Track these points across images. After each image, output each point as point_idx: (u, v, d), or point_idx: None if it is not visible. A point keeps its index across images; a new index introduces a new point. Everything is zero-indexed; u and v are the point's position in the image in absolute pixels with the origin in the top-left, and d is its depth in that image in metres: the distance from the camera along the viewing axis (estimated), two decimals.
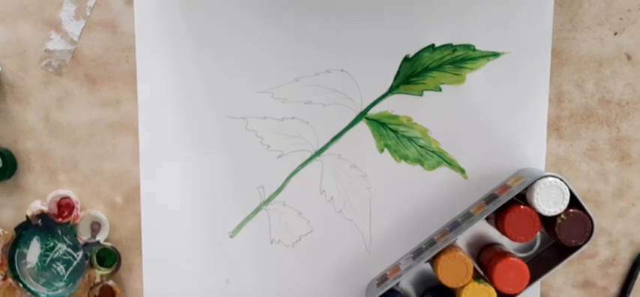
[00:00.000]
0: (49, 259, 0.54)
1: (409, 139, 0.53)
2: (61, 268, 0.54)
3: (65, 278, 0.54)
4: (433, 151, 0.53)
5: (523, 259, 0.51)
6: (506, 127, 0.52)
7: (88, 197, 0.53)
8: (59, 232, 0.53)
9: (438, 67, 0.52)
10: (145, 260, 0.54)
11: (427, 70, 0.52)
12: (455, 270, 0.49)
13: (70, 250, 0.53)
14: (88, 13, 0.52)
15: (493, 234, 0.53)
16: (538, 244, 0.53)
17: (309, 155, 0.53)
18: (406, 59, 0.52)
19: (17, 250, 0.53)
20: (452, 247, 0.50)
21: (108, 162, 0.53)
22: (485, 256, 0.51)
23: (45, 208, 0.52)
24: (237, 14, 0.52)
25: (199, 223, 0.53)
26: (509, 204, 0.49)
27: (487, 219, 0.51)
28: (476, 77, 0.52)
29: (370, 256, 0.54)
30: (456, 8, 0.51)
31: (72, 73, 0.52)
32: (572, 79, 0.52)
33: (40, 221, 0.52)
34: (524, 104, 0.52)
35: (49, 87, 0.52)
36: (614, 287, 0.54)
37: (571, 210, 0.48)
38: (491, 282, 0.49)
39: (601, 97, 0.52)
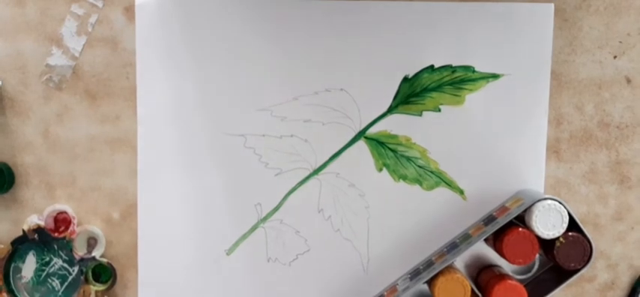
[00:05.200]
0: (44, 273, 0.53)
1: (408, 158, 0.53)
2: (56, 283, 0.53)
3: (60, 293, 0.53)
4: (432, 172, 0.53)
5: (521, 281, 0.51)
6: (505, 149, 0.52)
7: (85, 212, 0.53)
8: (55, 246, 0.53)
9: (438, 88, 0.52)
10: (140, 277, 0.53)
11: (426, 90, 0.52)
12: (452, 292, 0.48)
13: (65, 265, 0.53)
14: (90, 30, 0.52)
15: (491, 256, 0.53)
16: (536, 266, 0.52)
17: (307, 173, 0.53)
18: (405, 79, 0.52)
19: (13, 265, 0.53)
20: (450, 268, 0.50)
21: (106, 178, 0.53)
22: (484, 278, 0.51)
23: (41, 223, 0.52)
24: (238, 33, 0.52)
25: (196, 241, 0.53)
26: (508, 226, 0.49)
27: (485, 240, 0.51)
28: (475, 98, 0.52)
29: (367, 276, 0.54)
30: (455, 30, 0.52)
31: (72, 88, 0.53)
32: (571, 102, 0.52)
33: (36, 236, 0.52)
34: (523, 126, 0.52)
35: (49, 102, 0.53)
36: None
37: (570, 233, 0.48)
38: None
39: (600, 120, 0.52)
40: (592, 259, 0.48)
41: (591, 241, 0.48)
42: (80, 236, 0.53)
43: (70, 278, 0.53)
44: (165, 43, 0.52)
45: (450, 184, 0.53)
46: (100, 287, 0.53)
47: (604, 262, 0.53)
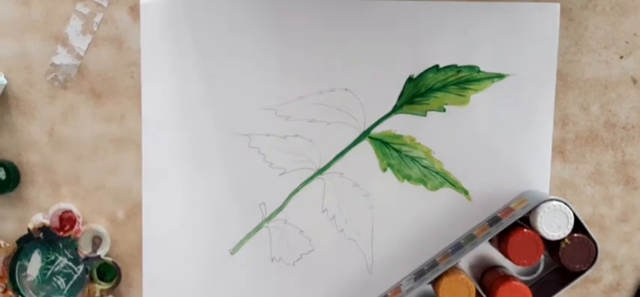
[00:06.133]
0: (49, 272, 0.54)
1: (412, 159, 0.53)
2: (61, 281, 0.54)
3: (65, 292, 0.54)
4: (436, 172, 0.53)
5: (526, 282, 0.50)
6: (510, 149, 0.52)
7: (89, 211, 0.53)
8: (60, 245, 0.53)
9: (442, 88, 0.52)
10: (145, 276, 0.54)
11: (431, 90, 0.52)
12: (457, 292, 0.48)
13: (70, 263, 0.53)
14: (95, 29, 0.52)
15: (496, 256, 0.52)
16: (541, 267, 0.52)
17: (311, 173, 0.53)
18: (410, 79, 0.52)
19: (18, 263, 0.54)
20: (454, 269, 0.49)
21: (111, 177, 0.53)
22: (488, 279, 0.51)
23: (47, 222, 0.52)
24: (243, 32, 0.52)
25: (200, 240, 0.53)
26: (513, 227, 0.48)
27: (490, 241, 0.51)
28: (480, 98, 0.52)
29: (371, 277, 0.54)
30: (460, 29, 0.51)
31: (77, 87, 0.53)
32: (577, 102, 0.52)
33: (41, 234, 0.52)
34: (528, 126, 0.52)
35: (55, 101, 0.53)
36: None
37: (575, 234, 0.48)
38: None
39: (606, 120, 0.52)
40: (597, 261, 0.48)
41: (597, 242, 0.48)
42: (85, 235, 0.53)
43: (75, 277, 0.54)
44: (170, 42, 0.52)
45: (454, 185, 0.53)
46: (105, 286, 0.53)
47: (609, 264, 0.53)
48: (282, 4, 0.52)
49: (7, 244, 0.53)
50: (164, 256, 0.53)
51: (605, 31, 0.51)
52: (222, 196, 0.53)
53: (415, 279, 0.51)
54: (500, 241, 0.49)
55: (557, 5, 0.51)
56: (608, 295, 0.53)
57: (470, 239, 0.50)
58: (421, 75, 0.52)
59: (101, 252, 0.53)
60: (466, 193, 0.53)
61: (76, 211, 0.53)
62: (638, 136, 0.52)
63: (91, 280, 0.53)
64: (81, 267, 0.53)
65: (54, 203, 0.53)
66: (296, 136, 0.53)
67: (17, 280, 0.54)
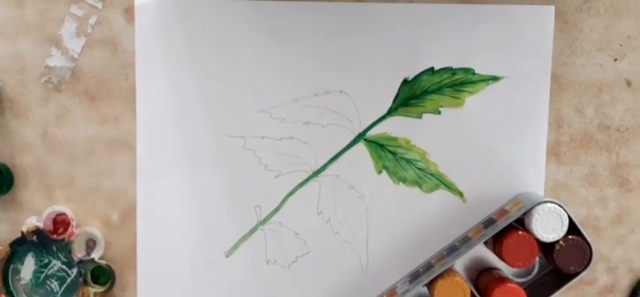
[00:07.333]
0: (43, 275, 0.53)
1: (407, 161, 0.53)
2: (54, 284, 0.53)
3: (59, 295, 0.53)
4: (431, 174, 0.53)
5: (521, 284, 0.50)
6: (505, 152, 0.52)
7: (84, 214, 0.53)
8: (54, 248, 0.53)
9: (438, 90, 0.52)
10: (139, 279, 0.53)
11: (426, 92, 0.52)
12: (452, 295, 0.48)
13: (64, 267, 0.53)
14: (89, 31, 0.52)
15: (491, 258, 0.53)
16: (536, 269, 0.52)
17: (306, 176, 0.53)
18: (405, 82, 0.52)
19: (11, 266, 0.53)
20: (449, 271, 0.49)
21: (105, 179, 0.53)
22: (483, 281, 0.51)
23: (40, 225, 0.52)
24: (238, 34, 0.52)
25: (195, 242, 0.53)
26: (508, 229, 0.48)
27: (485, 243, 0.51)
28: (475, 101, 0.52)
29: (367, 279, 0.53)
30: (456, 32, 0.51)
31: (71, 89, 0.52)
32: (571, 105, 0.52)
33: (35, 237, 0.52)
34: (523, 129, 0.52)
35: (48, 103, 0.52)
36: None
37: (570, 236, 0.48)
38: None
39: (601, 122, 0.52)
40: (592, 263, 0.48)
41: (591, 244, 0.48)
42: (79, 238, 0.53)
43: (69, 280, 0.53)
44: (164, 45, 0.52)
45: (449, 187, 0.53)
46: (99, 289, 0.53)
47: (604, 265, 0.53)
48: (276, 7, 0.52)
49: (1, 248, 0.52)
50: (158, 259, 0.53)
51: (599, 34, 0.52)
52: (217, 198, 0.53)
53: (410, 281, 0.51)
54: (495, 243, 0.49)
55: (552, 8, 0.51)
56: (602, 296, 0.54)
57: (465, 241, 0.50)
58: (416, 77, 0.52)
59: (95, 255, 0.52)
60: (461, 195, 0.53)
61: (69, 213, 0.52)
62: (632, 138, 0.52)
63: (85, 283, 0.53)
64: (75, 270, 0.53)
65: (48, 206, 0.53)
66: (291, 138, 0.53)
67: (10, 283, 0.53)
